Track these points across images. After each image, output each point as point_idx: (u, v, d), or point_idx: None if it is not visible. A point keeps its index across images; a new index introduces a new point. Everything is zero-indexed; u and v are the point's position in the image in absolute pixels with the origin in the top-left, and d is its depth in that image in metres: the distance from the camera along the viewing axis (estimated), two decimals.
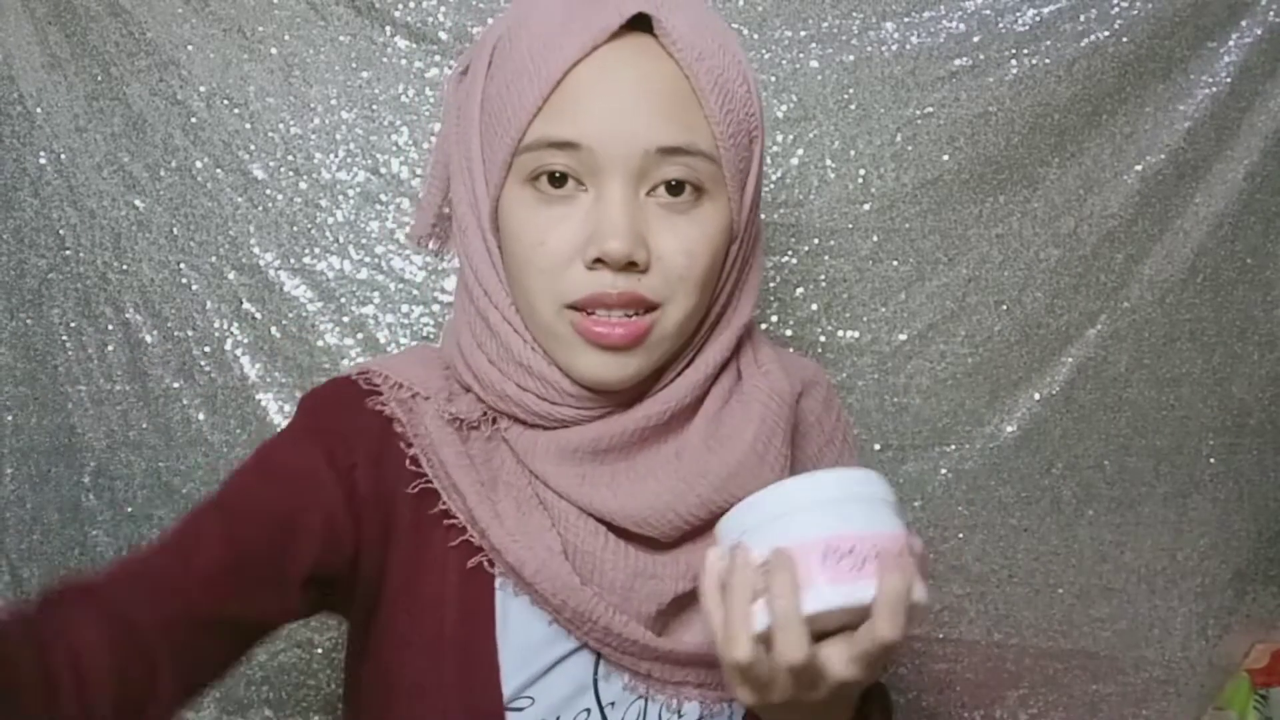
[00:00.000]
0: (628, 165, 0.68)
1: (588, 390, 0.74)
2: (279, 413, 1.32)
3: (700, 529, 0.75)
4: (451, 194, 0.78)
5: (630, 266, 0.69)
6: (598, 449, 0.74)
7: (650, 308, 0.71)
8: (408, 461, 0.75)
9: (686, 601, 0.76)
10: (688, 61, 0.69)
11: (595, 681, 0.76)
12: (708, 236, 0.72)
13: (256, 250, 1.31)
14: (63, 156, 1.29)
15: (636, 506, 0.73)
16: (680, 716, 0.77)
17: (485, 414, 0.77)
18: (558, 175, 0.70)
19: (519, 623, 0.74)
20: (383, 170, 1.31)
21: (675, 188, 0.70)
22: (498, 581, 0.75)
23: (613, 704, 0.76)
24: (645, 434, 0.75)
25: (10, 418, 1.33)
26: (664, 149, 0.69)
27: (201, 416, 1.32)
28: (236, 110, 1.30)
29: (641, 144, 0.68)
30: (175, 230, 1.31)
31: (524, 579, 0.72)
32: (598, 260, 0.68)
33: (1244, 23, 1.34)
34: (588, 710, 0.75)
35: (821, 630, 0.59)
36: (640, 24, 0.70)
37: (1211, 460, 1.41)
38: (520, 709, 0.74)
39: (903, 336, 1.37)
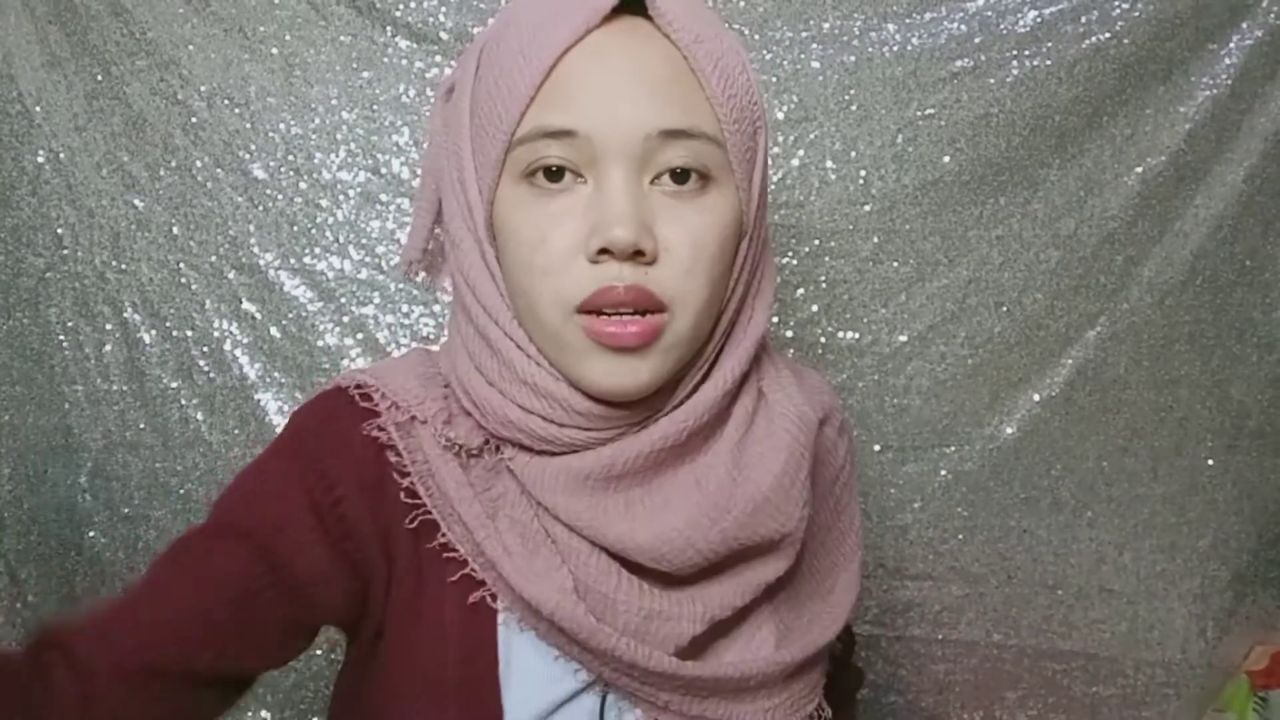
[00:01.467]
0: (628, 151, 0.64)
1: (599, 406, 0.68)
2: (278, 413, 1.32)
3: (719, 565, 0.70)
4: (443, 211, 0.74)
5: (637, 256, 0.64)
6: (611, 474, 0.69)
7: (660, 309, 0.66)
8: (403, 494, 0.70)
9: (703, 642, 0.72)
10: (685, 42, 0.66)
11: (602, 717, 0.72)
12: (716, 226, 0.67)
13: (256, 250, 1.31)
14: (62, 155, 1.29)
15: (652, 541, 0.67)
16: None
17: (487, 442, 0.72)
18: (554, 169, 0.65)
19: (523, 661, 0.70)
20: (383, 170, 1.31)
21: (680, 175, 0.66)
22: (500, 617, 0.70)
23: None
24: (662, 456, 0.70)
25: (7, 418, 1.32)
26: (666, 132, 0.64)
27: (200, 416, 1.32)
28: (237, 110, 1.30)
29: (642, 128, 0.64)
30: (175, 230, 1.30)
31: (542, 616, 0.67)
32: (602, 251, 0.64)
33: (1244, 25, 1.35)
34: None
35: None
36: (633, 7, 0.66)
37: (1210, 462, 1.41)
38: None
39: (903, 338, 1.37)
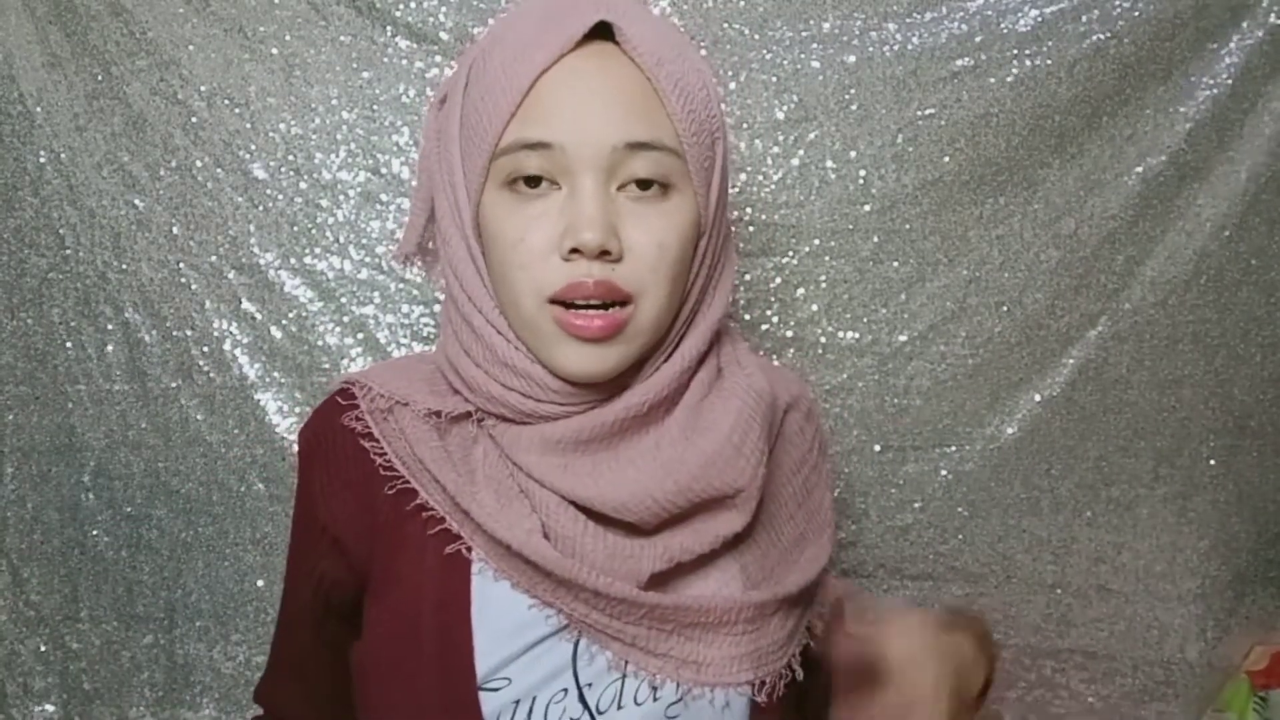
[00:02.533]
0: (597, 161, 0.73)
1: (570, 385, 0.77)
2: (278, 413, 1.32)
3: (679, 516, 0.78)
4: (436, 211, 0.82)
5: (604, 255, 0.72)
6: (580, 440, 0.77)
7: (625, 301, 0.74)
8: (381, 469, 0.79)
9: (662, 579, 0.78)
10: (649, 65, 0.74)
11: (574, 661, 0.78)
12: (677, 228, 0.76)
13: (256, 250, 1.31)
14: (63, 156, 1.29)
15: (616, 493, 0.75)
16: (656, 698, 0.78)
17: (471, 413, 0.81)
18: (533, 177, 0.74)
19: (498, 608, 0.77)
20: (383, 170, 1.31)
21: (644, 183, 0.74)
22: (475, 567, 0.78)
23: (590, 685, 0.77)
24: (626, 424, 0.78)
25: (10, 417, 1.33)
26: (631, 144, 0.73)
27: (200, 416, 1.33)
28: (237, 110, 1.30)
29: (610, 140, 0.72)
30: (175, 230, 1.31)
31: (511, 551, 0.75)
32: (574, 251, 0.72)
33: (1245, 24, 1.34)
34: (565, 690, 0.77)
35: None
36: (603, 33, 0.74)
37: (1212, 462, 1.41)
38: (496, 689, 0.76)
39: (903, 338, 1.37)
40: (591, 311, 0.73)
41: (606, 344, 0.74)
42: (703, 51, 1.31)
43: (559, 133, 0.72)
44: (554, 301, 0.74)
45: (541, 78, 0.73)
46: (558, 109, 0.73)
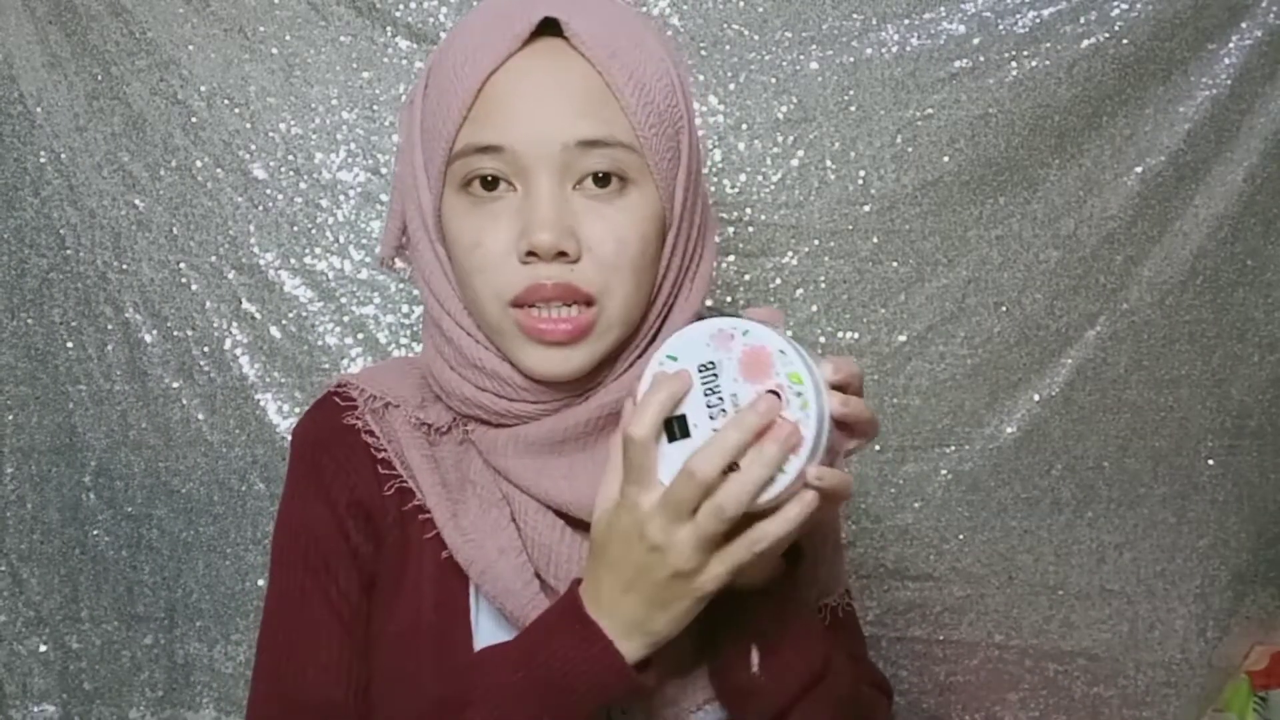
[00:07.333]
0: (550, 161, 0.72)
1: (540, 384, 0.76)
2: (278, 413, 1.32)
3: None
4: (405, 212, 0.82)
5: (561, 256, 0.72)
6: (553, 440, 0.77)
7: (588, 301, 0.73)
8: (379, 467, 0.79)
9: None
10: (600, 59, 0.72)
11: None
12: (636, 223, 0.74)
13: (256, 250, 1.32)
14: (63, 156, 1.30)
15: (591, 495, 0.74)
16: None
17: (455, 420, 0.81)
18: (488, 179, 0.73)
19: (489, 610, 0.78)
20: (383, 170, 1.31)
21: (601, 179, 0.73)
22: None
23: None
24: (600, 423, 0.77)
25: (10, 417, 1.33)
26: (583, 142, 0.72)
27: (201, 416, 1.33)
28: (237, 110, 1.30)
29: (560, 139, 0.72)
30: (175, 230, 1.31)
31: (470, 579, 0.76)
32: (530, 254, 0.72)
33: (1244, 25, 1.35)
34: None
35: None
36: (552, 29, 0.73)
37: (1210, 462, 1.41)
38: None
39: (902, 338, 1.37)
40: (556, 315, 0.73)
41: (573, 346, 0.74)
42: (702, 51, 1.32)
43: (509, 135, 0.72)
44: (515, 305, 0.73)
45: (490, 79, 0.72)
46: (507, 111, 0.72)
